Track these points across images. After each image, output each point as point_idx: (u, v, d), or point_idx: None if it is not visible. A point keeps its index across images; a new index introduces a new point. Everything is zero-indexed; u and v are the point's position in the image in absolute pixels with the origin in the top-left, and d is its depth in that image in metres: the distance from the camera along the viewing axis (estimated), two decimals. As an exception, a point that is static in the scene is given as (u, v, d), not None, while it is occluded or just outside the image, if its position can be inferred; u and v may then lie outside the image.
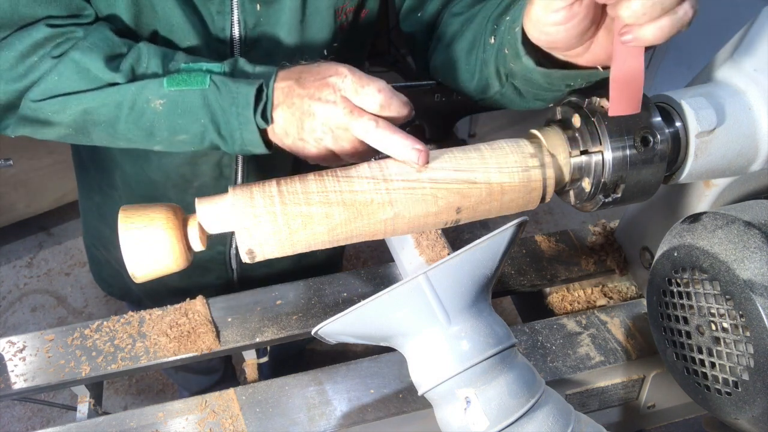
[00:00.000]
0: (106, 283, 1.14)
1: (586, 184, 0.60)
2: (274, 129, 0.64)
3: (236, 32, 0.74)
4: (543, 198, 0.60)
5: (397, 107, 0.59)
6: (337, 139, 0.60)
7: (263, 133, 0.64)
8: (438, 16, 0.79)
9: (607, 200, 0.59)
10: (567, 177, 0.60)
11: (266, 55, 0.76)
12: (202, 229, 0.56)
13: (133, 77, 0.64)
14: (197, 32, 0.72)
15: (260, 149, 0.65)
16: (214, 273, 1.00)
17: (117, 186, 0.93)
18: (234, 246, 0.97)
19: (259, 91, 0.62)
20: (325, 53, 0.78)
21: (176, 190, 0.88)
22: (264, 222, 0.54)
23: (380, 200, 0.56)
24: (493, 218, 0.62)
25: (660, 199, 0.77)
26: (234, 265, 1.00)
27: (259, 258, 0.56)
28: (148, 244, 0.53)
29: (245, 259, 0.56)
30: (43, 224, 2.33)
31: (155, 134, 0.66)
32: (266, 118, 0.62)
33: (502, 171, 0.58)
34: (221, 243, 0.95)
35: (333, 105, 0.59)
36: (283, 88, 0.62)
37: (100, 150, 0.91)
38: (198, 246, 0.57)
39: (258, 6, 0.73)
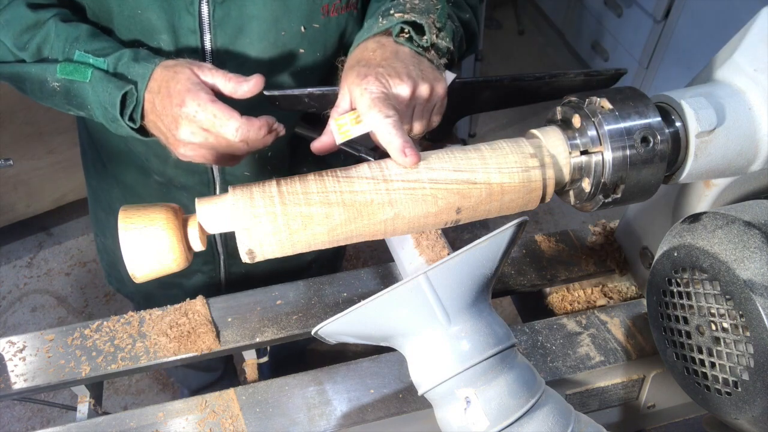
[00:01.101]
0: (107, 272, 1.17)
1: (586, 184, 0.60)
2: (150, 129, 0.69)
3: (204, 8, 0.74)
4: (543, 198, 0.60)
5: (256, 140, 0.63)
6: (207, 139, 0.64)
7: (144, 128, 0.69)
8: None
9: (607, 200, 0.59)
10: (567, 177, 0.60)
11: (237, 30, 0.76)
12: (201, 229, 0.56)
13: (39, 57, 0.71)
14: (160, 6, 0.74)
15: (144, 139, 0.70)
16: (202, 257, 1.00)
17: (108, 165, 0.96)
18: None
19: (131, 94, 0.66)
20: (303, 29, 0.79)
21: (158, 160, 0.89)
22: (264, 222, 0.54)
23: (380, 200, 0.56)
24: (493, 218, 0.62)
25: (660, 199, 0.77)
26: (219, 248, 1.00)
27: (259, 258, 0.56)
28: (149, 244, 0.53)
29: (245, 259, 0.56)
30: (43, 224, 2.33)
31: (62, 106, 0.73)
32: (135, 119, 0.67)
33: (502, 171, 0.58)
34: None
35: (192, 135, 0.63)
36: (149, 101, 0.66)
37: (91, 130, 0.95)
38: (198, 246, 0.57)
39: None
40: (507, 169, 0.58)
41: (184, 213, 0.57)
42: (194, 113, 0.62)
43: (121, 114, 0.66)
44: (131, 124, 0.67)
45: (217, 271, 1.03)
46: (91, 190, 1.07)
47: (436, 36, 0.69)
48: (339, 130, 0.64)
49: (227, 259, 1.02)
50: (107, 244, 1.09)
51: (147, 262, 0.54)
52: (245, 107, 0.62)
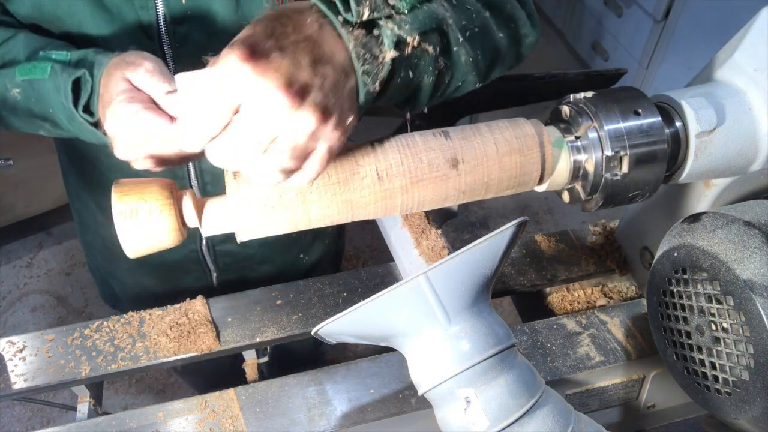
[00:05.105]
0: (100, 289, 1.14)
1: (585, 186, 0.60)
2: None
3: (163, 27, 0.72)
4: (541, 177, 0.59)
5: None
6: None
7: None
8: None
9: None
10: (567, 177, 0.60)
11: (199, 48, 0.74)
12: (197, 204, 0.55)
13: (2, 65, 0.65)
14: (115, 28, 0.70)
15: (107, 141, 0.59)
16: (193, 274, 0.98)
17: (88, 191, 0.94)
18: (205, 242, 0.95)
19: (84, 81, 0.59)
20: None
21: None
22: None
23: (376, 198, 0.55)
24: (493, 218, 0.62)
25: (660, 199, 0.77)
26: (210, 265, 0.98)
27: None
28: (142, 218, 0.52)
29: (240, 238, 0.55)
30: (43, 224, 2.32)
31: (24, 120, 0.67)
32: (93, 111, 0.58)
33: (498, 144, 0.57)
34: (192, 241, 0.93)
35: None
36: (105, 85, 0.57)
37: (71, 156, 0.93)
38: (194, 222, 0.55)
39: None
40: (504, 141, 0.57)
41: (178, 187, 0.55)
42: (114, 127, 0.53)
43: (75, 105, 0.58)
44: (88, 117, 0.59)
45: (211, 286, 1.01)
46: (77, 215, 1.04)
47: (372, 11, 0.46)
48: None
49: (219, 274, 0.99)
50: (99, 264, 1.07)
51: (141, 237, 0.53)
52: None
